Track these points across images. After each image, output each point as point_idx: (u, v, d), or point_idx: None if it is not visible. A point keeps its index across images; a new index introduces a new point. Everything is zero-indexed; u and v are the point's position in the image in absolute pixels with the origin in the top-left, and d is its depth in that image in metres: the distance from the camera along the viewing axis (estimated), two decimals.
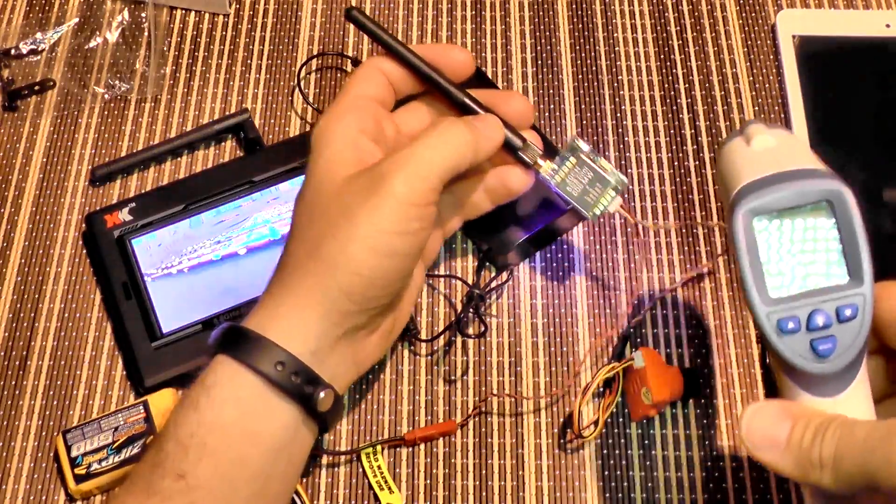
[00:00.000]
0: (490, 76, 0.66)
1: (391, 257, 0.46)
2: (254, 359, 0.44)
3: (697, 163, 0.63)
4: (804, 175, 0.41)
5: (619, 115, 0.65)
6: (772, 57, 0.67)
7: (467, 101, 0.51)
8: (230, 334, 0.46)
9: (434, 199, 0.47)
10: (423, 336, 0.57)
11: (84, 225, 0.60)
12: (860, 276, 0.40)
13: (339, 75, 0.67)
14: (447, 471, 0.54)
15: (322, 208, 0.46)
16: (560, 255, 0.60)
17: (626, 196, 0.57)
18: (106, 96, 0.66)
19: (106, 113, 0.65)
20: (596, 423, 0.53)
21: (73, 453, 0.52)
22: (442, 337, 0.57)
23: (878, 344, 0.42)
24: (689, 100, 0.66)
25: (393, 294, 0.48)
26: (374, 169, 0.46)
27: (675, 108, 0.65)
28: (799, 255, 0.41)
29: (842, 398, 0.40)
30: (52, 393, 0.56)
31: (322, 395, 0.45)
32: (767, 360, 0.43)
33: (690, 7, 0.70)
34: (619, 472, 0.54)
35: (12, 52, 0.67)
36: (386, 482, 0.53)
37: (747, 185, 0.41)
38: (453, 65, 0.52)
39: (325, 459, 0.54)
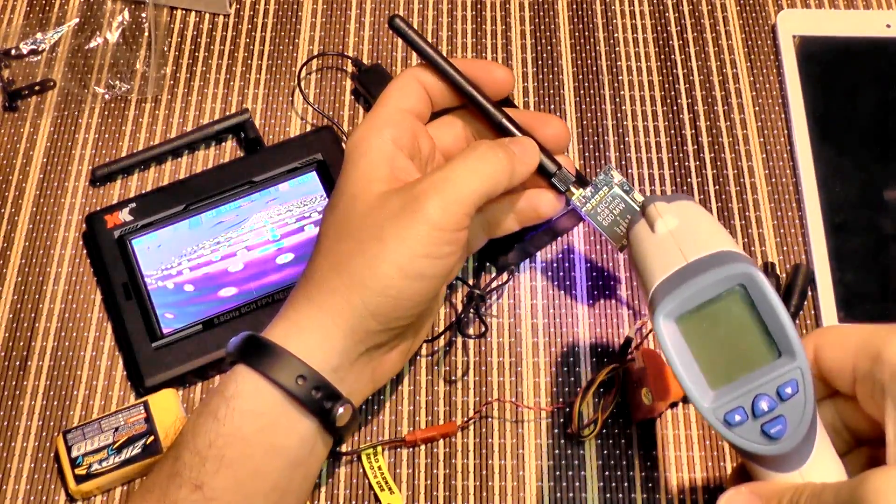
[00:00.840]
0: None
1: (420, 280, 0.45)
2: (275, 371, 0.44)
3: (698, 163, 0.63)
4: (711, 263, 0.41)
5: (619, 115, 0.65)
6: (772, 57, 0.67)
7: (505, 121, 0.50)
8: (251, 344, 0.46)
9: (467, 224, 0.46)
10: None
11: (84, 225, 0.60)
12: (791, 350, 0.40)
13: (339, 75, 0.67)
14: (448, 471, 0.54)
15: (354, 225, 0.46)
16: (560, 255, 0.60)
17: None
18: (106, 96, 0.66)
19: (106, 113, 0.65)
20: (596, 423, 0.53)
21: (74, 454, 0.52)
22: (442, 337, 0.57)
23: (827, 390, 0.42)
24: (690, 100, 0.66)
25: (417, 315, 0.48)
26: (409, 190, 0.45)
27: (675, 108, 0.65)
28: (728, 343, 0.41)
29: (807, 467, 0.40)
30: (52, 393, 0.56)
31: (341, 410, 0.45)
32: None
33: (690, 7, 0.70)
34: (619, 473, 0.54)
35: (12, 52, 0.67)
36: (386, 483, 0.53)
37: (659, 287, 0.42)
38: (493, 83, 0.51)
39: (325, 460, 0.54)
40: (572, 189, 0.51)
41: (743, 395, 0.40)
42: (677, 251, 0.43)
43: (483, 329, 0.57)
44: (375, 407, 0.55)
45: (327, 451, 0.48)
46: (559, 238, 0.60)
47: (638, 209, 0.50)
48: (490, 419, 0.55)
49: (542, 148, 0.50)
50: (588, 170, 0.63)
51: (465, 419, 0.55)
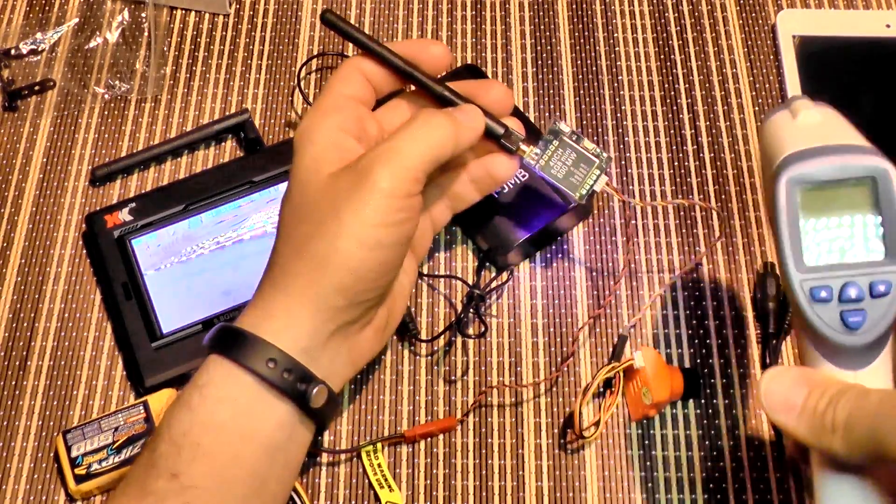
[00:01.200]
0: (490, 76, 0.66)
1: (379, 249, 0.46)
2: (245, 357, 0.45)
3: (697, 163, 0.63)
4: (849, 150, 0.41)
5: (619, 115, 0.65)
6: (772, 57, 0.67)
7: (446, 93, 0.52)
8: (223, 334, 0.46)
9: (417, 190, 0.47)
10: (423, 336, 0.57)
11: (84, 225, 0.61)
12: None
13: None
14: (447, 471, 0.54)
15: (308, 207, 0.47)
16: (560, 255, 0.60)
17: (609, 172, 0.57)
18: (106, 96, 0.66)
19: (106, 113, 0.65)
20: (597, 423, 0.53)
21: (74, 453, 0.52)
22: (442, 337, 0.57)
23: None
24: (690, 100, 0.66)
25: (383, 287, 0.48)
26: (356, 164, 0.47)
27: (675, 108, 0.65)
28: (838, 227, 0.41)
29: (863, 373, 0.40)
30: (52, 393, 0.56)
31: (315, 391, 0.45)
32: (773, 347, 0.43)
33: (690, 7, 0.70)
34: (619, 472, 0.54)
35: (12, 52, 0.67)
36: (386, 480, 0.53)
37: (792, 155, 0.41)
38: (430, 59, 0.52)
39: (325, 458, 0.54)
40: (523, 147, 0.52)
41: (835, 277, 0.40)
42: (818, 135, 0.42)
43: (483, 329, 0.57)
44: (375, 406, 0.55)
45: (310, 437, 0.48)
46: (559, 238, 0.60)
47: (592, 158, 0.52)
48: (490, 419, 0.55)
49: (487, 113, 0.51)
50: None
51: (465, 412, 0.55)
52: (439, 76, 0.52)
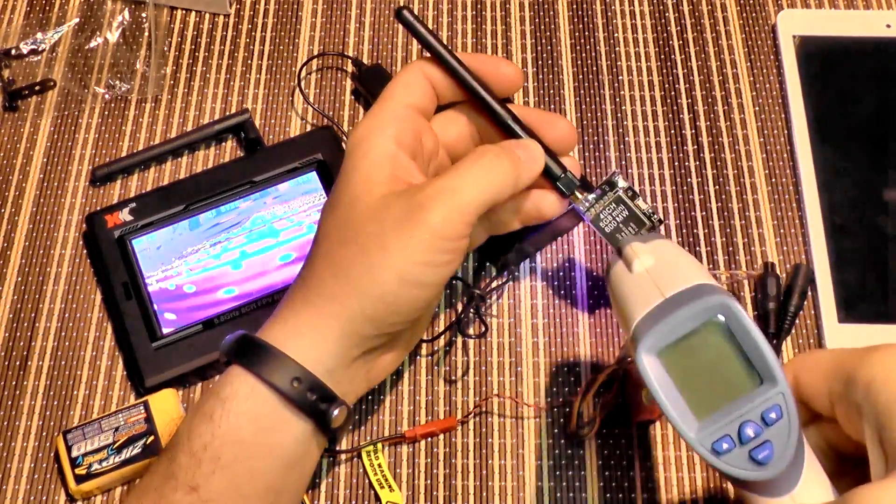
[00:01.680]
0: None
1: (419, 287, 0.45)
2: (270, 373, 0.44)
3: (698, 163, 0.63)
4: (687, 297, 0.42)
5: (619, 115, 0.65)
6: (772, 57, 0.67)
7: (511, 122, 0.49)
8: (246, 344, 0.46)
9: (468, 233, 0.46)
10: (424, 336, 0.57)
11: (84, 225, 0.61)
12: (771, 376, 0.41)
13: (339, 75, 0.67)
14: (448, 471, 0.54)
15: (354, 227, 0.45)
16: (560, 255, 0.60)
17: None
18: (106, 96, 0.66)
19: (106, 113, 0.65)
20: (591, 423, 0.53)
21: (74, 453, 0.52)
22: (442, 337, 0.57)
23: (811, 415, 0.43)
24: (690, 100, 0.66)
25: (414, 320, 0.48)
26: (412, 195, 0.45)
27: (675, 108, 0.65)
28: (710, 373, 0.42)
29: (798, 490, 0.41)
30: (52, 393, 0.56)
31: (336, 413, 0.45)
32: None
33: (691, 7, 0.70)
34: (619, 473, 0.54)
35: (13, 52, 0.67)
36: (386, 480, 0.53)
37: (639, 324, 0.43)
38: (500, 79, 0.50)
39: (325, 458, 0.54)
40: (577, 193, 0.51)
41: (729, 423, 0.41)
42: (655, 288, 0.44)
43: (483, 329, 0.57)
44: (376, 406, 0.55)
45: (321, 451, 0.48)
46: (559, 238, 0.60)
47: (643, 219, 0.51)
48: (490, 419, 0.55)
49: (547, 150, 0.50)
50: (588, 169, 0.63)
51: (465, 414, 0.55)
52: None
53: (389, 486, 0.52)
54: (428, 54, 0.50)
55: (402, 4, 0.50)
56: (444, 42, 0.49)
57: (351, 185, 0.46)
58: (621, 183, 0.52)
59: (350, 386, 0.47)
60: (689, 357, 0.42)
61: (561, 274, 0.59)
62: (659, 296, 0.43)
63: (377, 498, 0.52)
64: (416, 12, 0.69)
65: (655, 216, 0.52)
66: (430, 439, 0.55)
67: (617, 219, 0.52)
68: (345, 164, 0.47)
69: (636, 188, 0.62)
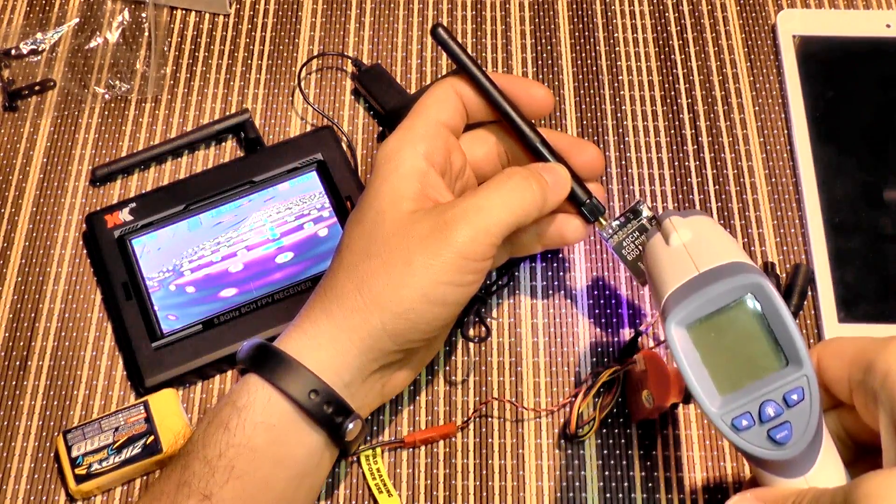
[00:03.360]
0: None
1: (442, 306, 0.45)
2: (288, 385, 0.44)
3: (698, 163, 0.63)
4: (722, 273, 0.42)
5: (619, 115, 0.65)
6: (772, 57, 0.67)
7: (540, 146, 0.50)
8: (264, 354, 0.46)
9: (493, 254, 0.46)
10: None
11: (84, 225, 0.61)
12: (798, 358, 0.41)
13: (339, 75, 0.67)
14: (448, 471, 0.54)
15: (379, 241, 0.45)
16: (560, 255, 0.60)
17: None
18: (106, 96, 0.66)
19: (106, 113, 0.65)
20: (590, 423, 0.53)
21: (74, 453, 0.52)
22: None
23: (832, 401, 0.43)
24: (690, 100, 0.66)
25: (433, 338, 0.48)
26: (439, 214, 0.45)
27: (675, 108, 0.65)
28: (736, 351, 0.42)
29: (812, 473, 0.41)
30: (52, 393, 0.56)
31: (351, 426, 0.46)
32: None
33: (690, 7, 0.70)
34: (619, 473, 0.54)
35: (12, 52, 0.67)
36: (385, 485, 0.53)
37: (671, 296, 0.43)
38: (531, 102, 0.50)
39: None
40: (601, 220, 0.51)
41: (751, 401, 0.41)
42: (690, 262, 0.44)
43: (485, 332, 0.57)
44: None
45: (333, 462, 0.48)
46: None
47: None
48: (490, 419, 0.55)
49: (574, 175, 0.50)
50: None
51: (465, 419, 0.55)
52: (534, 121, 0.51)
53: (388, 492, 0.52)
54: (457, 69, 0.50)
55: (437, 22, 0.50)
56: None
57: (378, 199, 0.46)
58: (645, 212, 0.52)
59: (365, 400, 0.48)
60: (718, 333, 0.42)
61: (561, 274, 0.59)
62: (693, 270, 0.43)
63: (375, 503, 0.52)
64: (415, 14, 0.69)
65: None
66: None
67: (640, 247, 0.52)
68: (373, 177, 0.47)
69: (636, 188, 0.62)
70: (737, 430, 0.41)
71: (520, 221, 0.47)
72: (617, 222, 0.52)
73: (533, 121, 0.51)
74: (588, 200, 0.50)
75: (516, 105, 0.50)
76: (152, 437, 0.53)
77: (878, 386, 0.39)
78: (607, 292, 0.59)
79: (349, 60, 0.67)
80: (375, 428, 0.55)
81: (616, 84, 0.66)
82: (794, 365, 0.41)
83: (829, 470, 0.41)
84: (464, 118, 0.50)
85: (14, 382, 0.56)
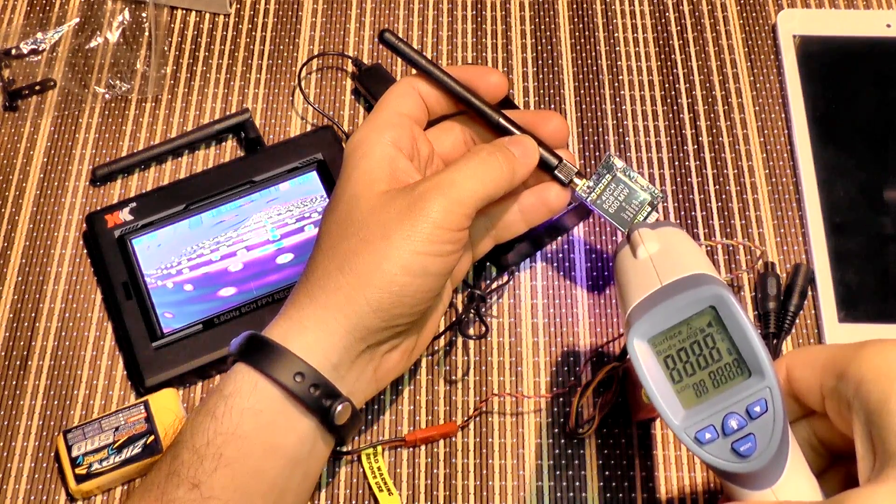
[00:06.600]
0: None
1: (423, 277, 0.46)
2: (273, 369, 0.45)
3: (698, 163, 0.63)
4: (684, 286, 0.43)
5: (619, 114, 0.65)
6: (772, 57, 0.67)
7: (503, 121, 0.51)
8: (251, 343, 0.46)
9: (467, 225, 0.47)
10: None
11: (85, 225, 0.61)
12: (760, 369, 0.41)
13: (339, 75, 0.67)
14: (448, 471, 0.54)
15: (356, 223, 0.46)
16: (560, 255, 0.60)
17: (659, 209, 0.57)
18: (106, 96, 0.66)
19: (106, 113, 0.65)
20: (592, 420, 0.53)
21: (74, 453, 0.52)
22: (442, 337, 0.57)
23: (803, 409, 0.43)
24: (690, 100, 0.66)
25: (420, 313, 0.48)
26: (412, 189, 0.46)
27: (675, 108, 0.65)
28: (700, 364, 0.42)
29: (780, 485, 0.41)
30: (52, 393, 0.56)
31: (339, 408, 0.45)
32: None
33: (691, 7, 0.70)
34: (619, 472, 0.54)
35: (13, 52, 0.67)
36: (385, 484, 0.53)
37: (634, 309, 0.43)
38: (488, 87, 0.52)
39: None
40: (576, 180, 0.52)
41: (714, 413, 0.41)
42: (654, 275, 0.44)
43: (484, 330, 0.57)
44: (376, 407, 0.55)
45: (328, 452, 0.48)
46: (559, 238, 0.60)
47: (643, 194, 0.52)
48: (490, 419, 0.55)
49: (541, 143, 0.51)
50: (589, 169, 0.63)
51: (465, 419, 0.55)
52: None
53: (388, 490, 0.52)
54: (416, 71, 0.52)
55: (385, 27, 0.52)
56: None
57: (351, 184, 0.48)
58: (618, 163, 0.53)
59: (357, 384, 0.47)
60: (680, 345, 0.42)
61: (561, 274, 0.59)
62: (657, 282, 0.44)
63: (376, 501, 0.52)
64: (415, 14, 0.69)
65: (657, 191, 0.53)
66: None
67: (619, 198, 0.52)
68: (344, 166, 0.49)
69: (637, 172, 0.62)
70: (700, 444, 0.41)
71: (490, 193, 0.48)
72: (592, 181, 0.53)
73: (498, 104, 0.52)
74: (559, 163, 0.51)
75: (474, 91, 0.51)
76: (152, 437, 0.53)
77: (851, 393, 0.38)
78: (607, 292, 0.59)
79: (349, 60, 0.67)
80: (376, 427, 0.55)
81: (616, 84, 0.66)
82: (757, 376, 0.41)
83: (797, 481, 0.41)
84: (424, 112, 0.51)
85: (14, 382, 0.56)
